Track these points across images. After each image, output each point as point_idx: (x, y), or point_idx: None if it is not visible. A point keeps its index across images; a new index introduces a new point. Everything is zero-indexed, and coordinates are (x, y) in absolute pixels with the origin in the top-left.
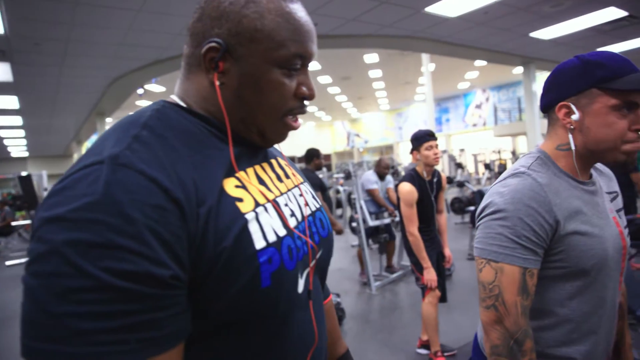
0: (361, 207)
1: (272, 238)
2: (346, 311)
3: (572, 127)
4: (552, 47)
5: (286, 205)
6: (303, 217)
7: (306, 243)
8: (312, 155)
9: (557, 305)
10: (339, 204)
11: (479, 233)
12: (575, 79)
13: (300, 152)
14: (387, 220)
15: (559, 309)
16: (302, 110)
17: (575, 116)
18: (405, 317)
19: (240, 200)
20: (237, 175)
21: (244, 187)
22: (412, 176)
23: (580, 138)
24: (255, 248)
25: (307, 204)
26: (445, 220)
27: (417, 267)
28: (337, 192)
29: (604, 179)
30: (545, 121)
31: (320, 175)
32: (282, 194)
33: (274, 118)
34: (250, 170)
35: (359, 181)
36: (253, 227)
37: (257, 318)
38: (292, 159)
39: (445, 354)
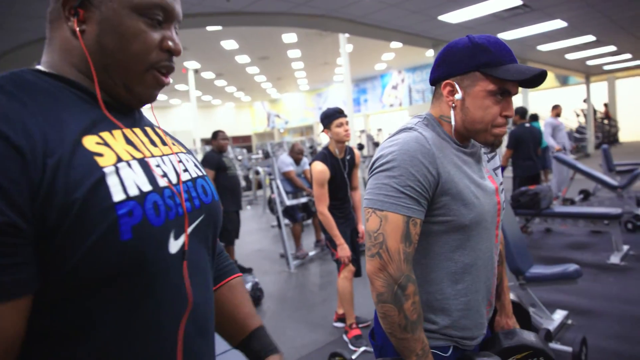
0: (278, 187)
1: (133, 192)
2: (265, 291)
3: (453, 105)
4: (458, 31)
5: (158, 166)
6: (179, 180)
7: (181, 204)
8: (212, 137)
9: (442, 259)
10: (260, 185)
11: (368, 185)
12: (462, 59)
13: None
14: (304, 199)
15: (443, 262)
16: (169, 66)
17: (458, 96)
18: (323, 293)
19: (100, 155)
20: (100, 134)
21: (106, 144)
22: (325, 155)
23: (459, 116)
24: (113, 200)
25: (186, 170)
26: (360, 197)
27: (332, 244)
28: (257, 172)
29: None
30: None
31: (240, 157)
32: (153, 156)
33: (138, 69)
34: (117, 132)
35: (276, 162)
36: (112, 181)
37: (124, 275)
38: (209, 141)
39: (360, 325)
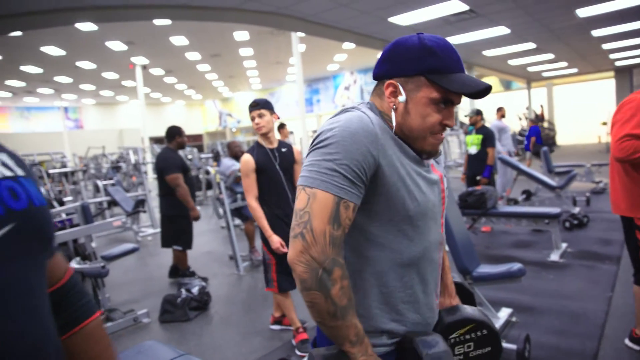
0: (227, 187)
1: None
2: (214, 294)
3: (394, 107)
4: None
5: None
6: None
7: None
8: (174, 133)
9: (387, 251)
10: (209, 185)
11: (304, 163)
12: (409, 61)
13: None
14: None
15: (388, 255)
16: None
17: (402, 98)
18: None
19: None
20: None
21: None
22: (253, 147)
23: (399, 119)
24: None
25: None
26: None
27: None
28: (207, 172)
29: None
30: None
31: (190, 157)
32: None
33: None
34: None
35: (220, 166)
36: None
37: None
38: (160, 140)
39: (304, 324)
